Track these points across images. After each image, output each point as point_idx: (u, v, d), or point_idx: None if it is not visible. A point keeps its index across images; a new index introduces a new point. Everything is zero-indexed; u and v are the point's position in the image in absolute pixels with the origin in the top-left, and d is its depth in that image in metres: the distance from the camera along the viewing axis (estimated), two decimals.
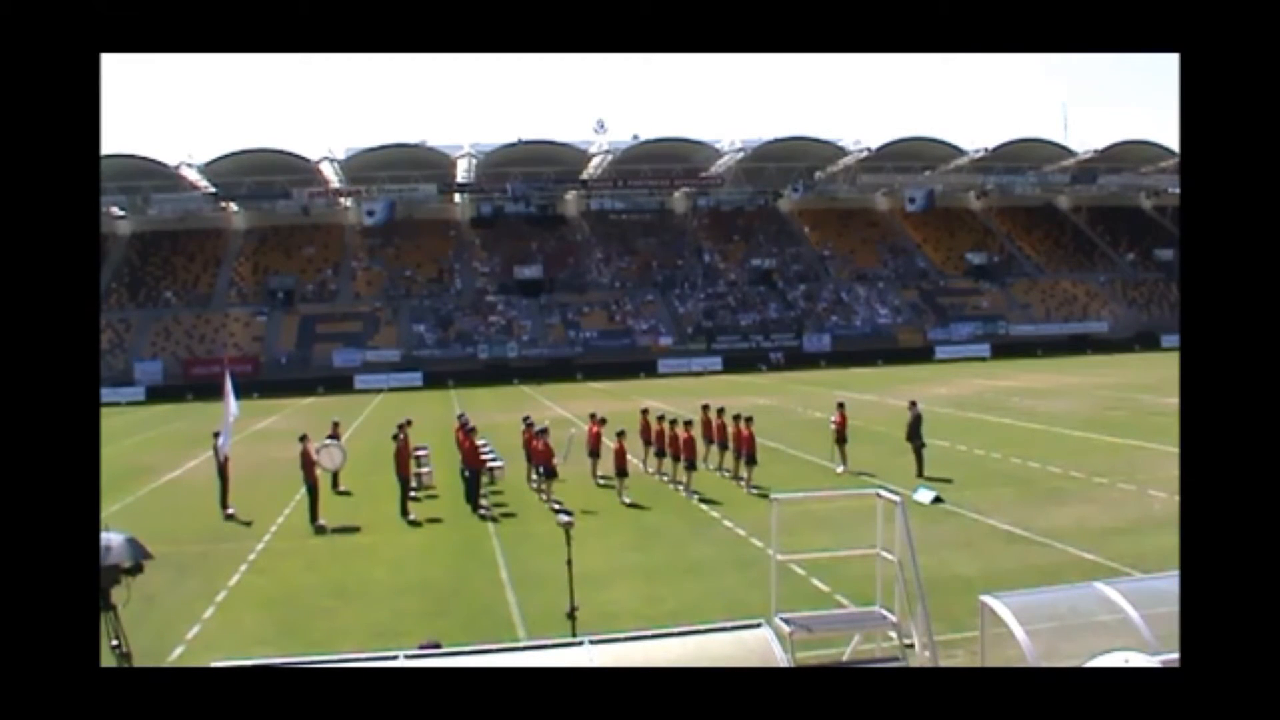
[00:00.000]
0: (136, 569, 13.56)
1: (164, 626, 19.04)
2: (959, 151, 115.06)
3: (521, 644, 14.30)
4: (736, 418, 31.80)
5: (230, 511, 30.18)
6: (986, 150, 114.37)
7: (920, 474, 31.21)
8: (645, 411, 35.28)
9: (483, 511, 28.79)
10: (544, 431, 30.72)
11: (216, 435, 31.46)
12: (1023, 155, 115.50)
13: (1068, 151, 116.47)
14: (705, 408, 35.39)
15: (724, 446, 33.14)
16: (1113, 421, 43.02)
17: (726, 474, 32.54)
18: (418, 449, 32.75)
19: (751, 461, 30.42)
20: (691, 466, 30.56)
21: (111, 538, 13.44)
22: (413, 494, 30.30)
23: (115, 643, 13.39)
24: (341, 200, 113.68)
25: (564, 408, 58.45)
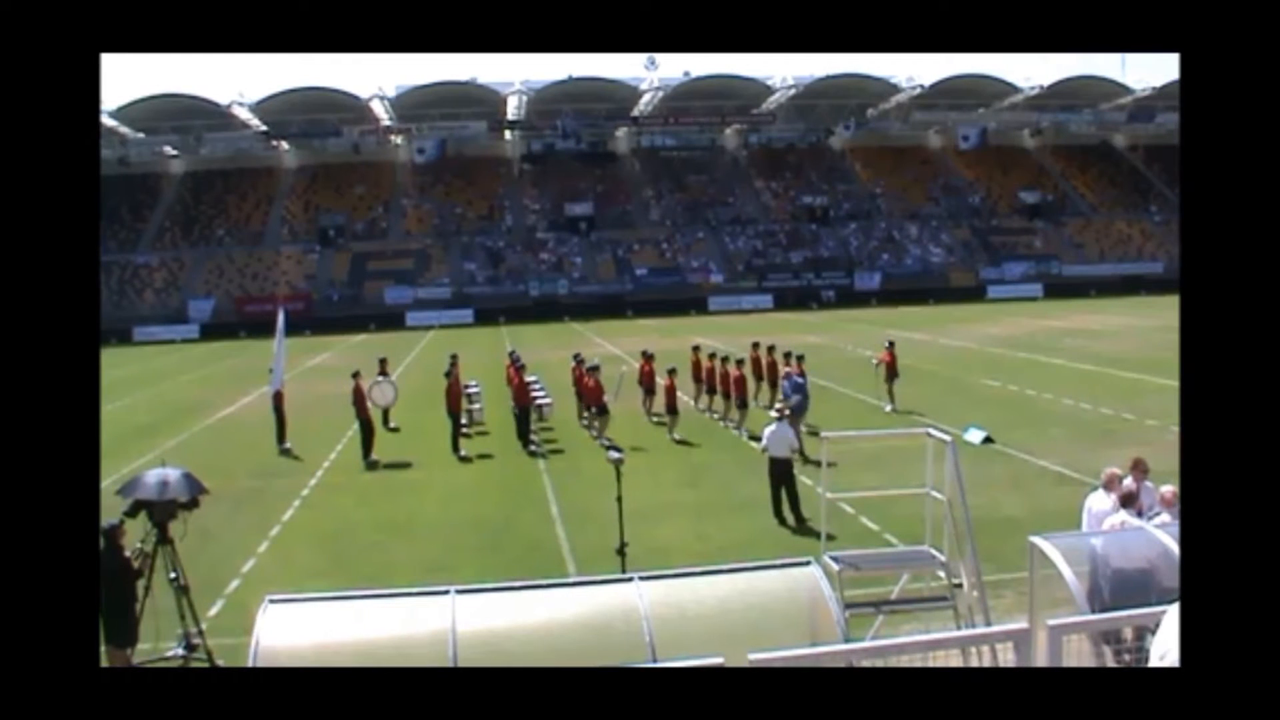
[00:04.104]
0: (193, 504, 13.77)
1: (220, 560, 19.32)
2: (1013, 89, 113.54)
3: (571, 580, 14.44)
4: (788, 356, 31.75)
5: (285, 446, 30.52)
6: (1041, 88, 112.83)
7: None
8: (696, 349, 35.30)
9: (533, 448, 28.96)
10: (595, 369, 30.79)
11: (270, 371, 31.73)
12: (1079, 92, 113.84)
13: (1125, 89, 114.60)
14: (755, 345, 35.34)
15: (774, 384, 33.11)
16: (1165, 363, 42.56)
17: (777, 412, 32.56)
18: (468, 386, 32.93)
19: None
20: (743, 404, 30.55)
21: (168, 473, 13.64)
22: (464, 430, 30.49)
23: (173, 575, 13.61)
24: (392, 138, 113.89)
25: (614, 345, 58.54)
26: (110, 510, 12.65)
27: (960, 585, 12.71)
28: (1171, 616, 5.74)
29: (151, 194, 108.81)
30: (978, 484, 19.51)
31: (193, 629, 13.71)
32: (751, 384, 32.44)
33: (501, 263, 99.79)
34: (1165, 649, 5.68)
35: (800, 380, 28.68)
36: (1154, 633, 6.06)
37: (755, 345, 35.44)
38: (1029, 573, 10.89)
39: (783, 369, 31.98)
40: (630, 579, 9.67)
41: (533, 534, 20.80)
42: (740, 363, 31.68)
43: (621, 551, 14.96)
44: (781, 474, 20.84)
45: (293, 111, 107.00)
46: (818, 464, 22.68)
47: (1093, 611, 10.11)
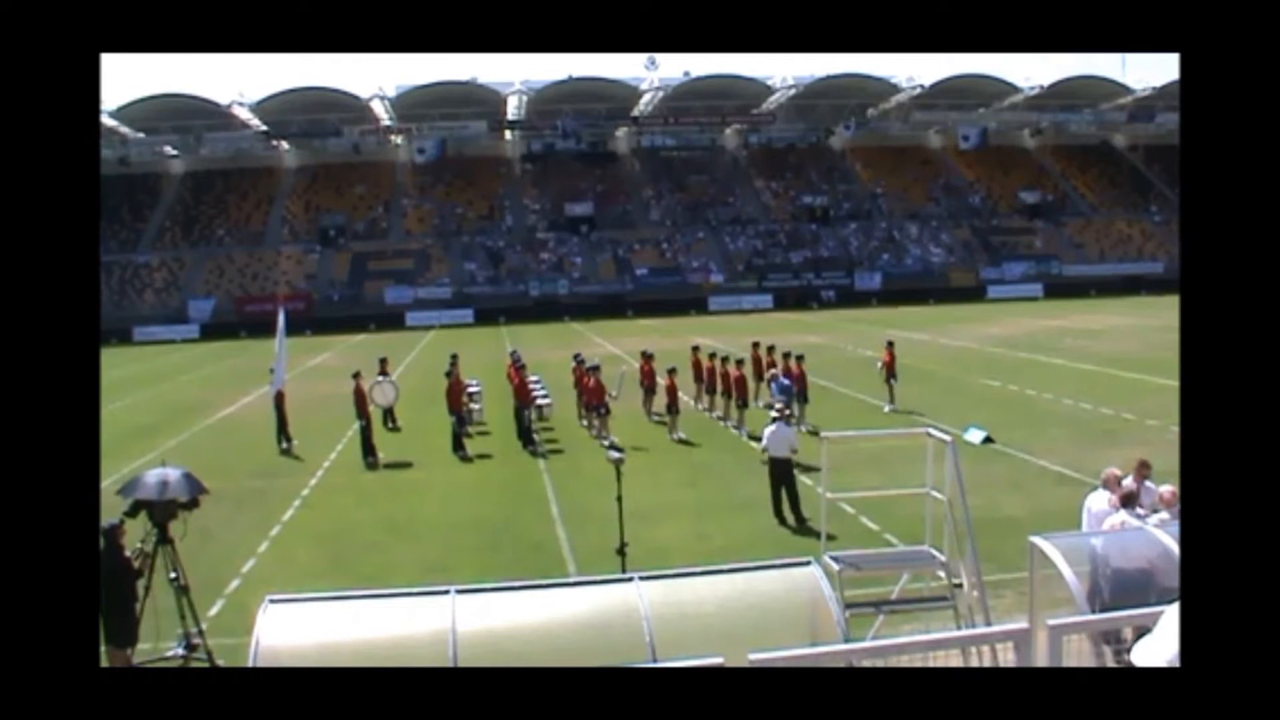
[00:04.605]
0: (193, 504, 13.76)
1: (220, 560, 19.32)
2: (1013, 89, 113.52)
3: (571, 580, 14.43)
4: (787, 355, 31.75)
5: (285, 446, 30.53)
6: (1041, 88, 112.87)
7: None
8: (696, 349, 35.27)
9: (533, 448, 28.95)
10: (595, 369, 30.78)
11: (271, 371, 31.73)
12: (1079, 92, 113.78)
13: (1125, 89, 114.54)
14: (756, 345, 35.35)
15: None
16: (1166, 363, 42.53)
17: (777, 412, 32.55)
18: (469, 385, 32.92)
19: (803, 399, 30.41)
20: (743, 404, 30.55)
21: (169, 473, 13.63)
22: (465, 430, 30.49)
23: (173, 575, 13.60)
24: (392, 138, 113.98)
25: (615, 345, 58.52)
26: (110, 510, 12.66)
27: (960, 585, 12.71)
28: (1167, 619, 5.74)
29: (152, 194, 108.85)
30: (978, 484, 19.52)
31: (193, 629, 13.71)
32: (752, 384, 32.43)
33: (502, 263, 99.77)
34: (1164, 653, 5.68)
35: (786, 381, 28.64)
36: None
37: (755, 345, 35.44)
38: (1029, 573, 10.89)
39: (768, 370, 31.80)
40: (630, 579, 9.66)
41: (533, 534, 20.80)
42: (740, 362, 31.68)
43: (622, 551, 14.96)
44: (782, 474, 20.84)
45: (293, 111, 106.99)
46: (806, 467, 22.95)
47: (1093, 611, 10.12)
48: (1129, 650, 7.36)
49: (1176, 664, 5.41)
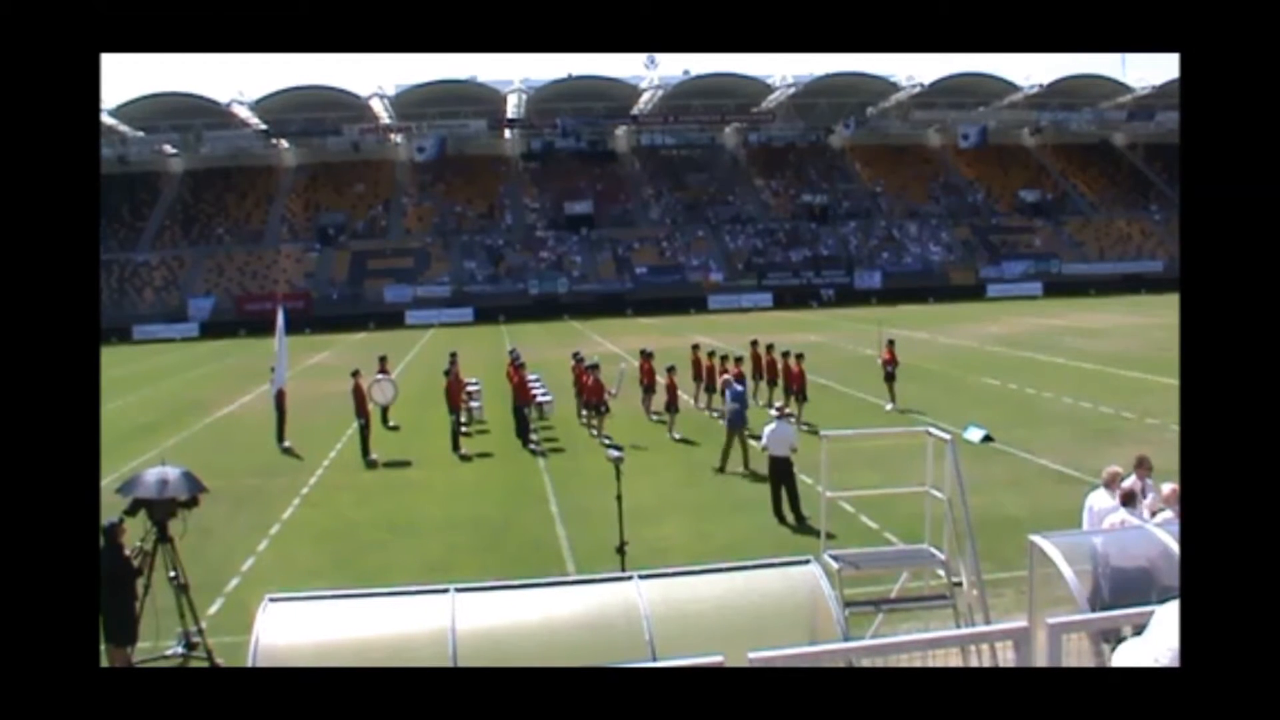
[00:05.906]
0: (192, 502, 13.77)
1: (220, 559, 19.30)
2: (1013, 87, 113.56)
3: (571, 578, 14.41)
4: (786, 354, 31.73)
5: (285, 445, 30.53)
6: (1041, 86, 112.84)
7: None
8: (696, 347, 35.24)
9: (533, 447, 28.93)
10: (595, 367, 30.76)
11: (273, 370, 31.75)
12: (1079, 91, 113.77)
13: (1125, 88, 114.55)
14: (755, 344, 35.32)
15: (774, 383, 33.07)
16: (1165, 362, 42.51)
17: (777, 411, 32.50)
18: (468, 384, 32.90)
19: (802, 398, 30.38)
20: None
21: (168, 471, 13.65)
22: (463, 429, 30.47)
23: (173, 574, 13.61)
24: (392, 136, 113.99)
25: (614, 343, 58.46)
26: (110, 509, 12.66)
27: (960, 584, 12.70)
28: (1161, 617, 5.73)
29: (151, 192, 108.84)
30: (978, 483, 19.49)
31: (192, 628, 13.73)
32: (751, 382, 32.41)
33: (501, 261, 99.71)
34: (1150, 655, 5.68)
35: (740, 389, 28.34)
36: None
37: (754, 343, 35.42)
38: (1029, 571, 10.88)
39: (720, 375, 31.25)
40: (630, 578, 9.65)
41: (533, 533, 20.78)
42: (740, 361, 31.65)
43: (621, 550, 14.94)
44: (781, 472, 20.83)
45: (293, 110, 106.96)
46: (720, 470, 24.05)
47: (1092, 610, 10.11)
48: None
49: (1163, 664, 5.42)
